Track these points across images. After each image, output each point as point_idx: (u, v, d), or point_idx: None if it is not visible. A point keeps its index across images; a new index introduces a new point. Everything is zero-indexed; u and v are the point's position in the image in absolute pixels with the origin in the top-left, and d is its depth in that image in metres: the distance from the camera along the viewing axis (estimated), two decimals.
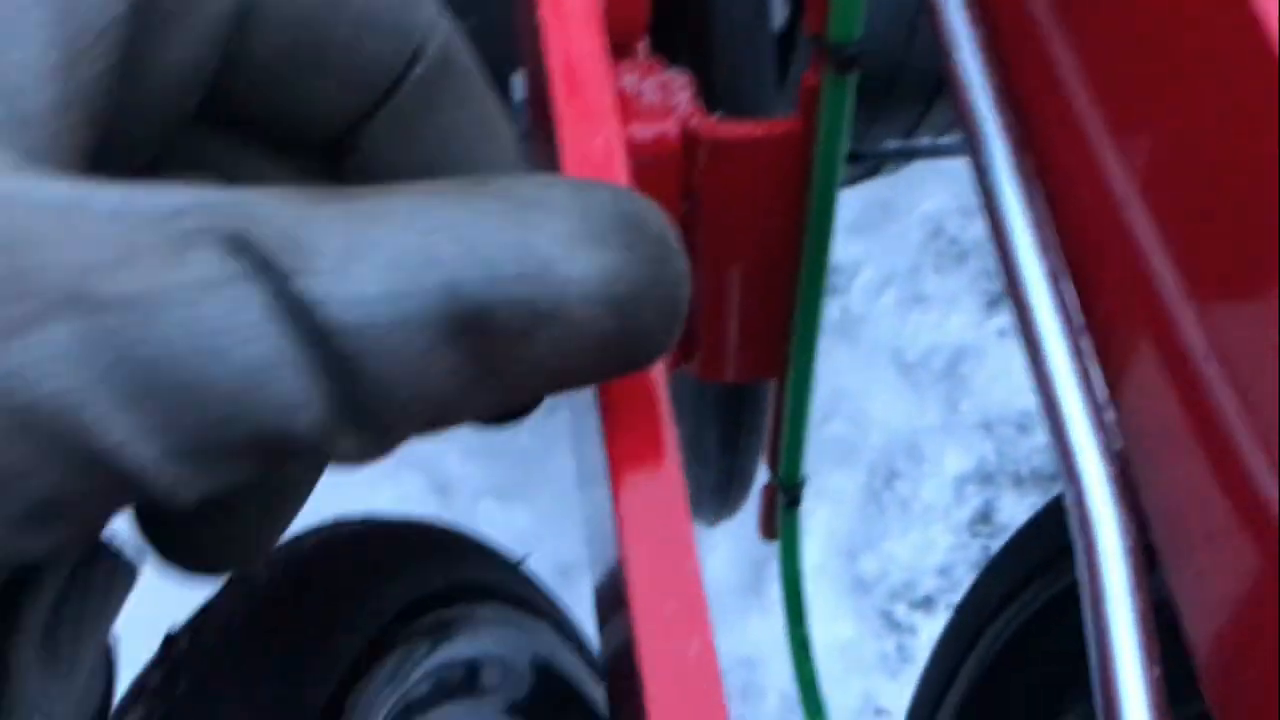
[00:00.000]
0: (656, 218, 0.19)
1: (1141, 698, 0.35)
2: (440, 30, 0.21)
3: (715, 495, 0.78)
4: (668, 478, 0.22)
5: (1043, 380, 0.40)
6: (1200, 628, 0.34)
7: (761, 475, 0.75)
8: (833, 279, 1.31)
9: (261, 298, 0.15)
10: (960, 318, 1.28)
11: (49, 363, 0.14)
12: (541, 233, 0.17)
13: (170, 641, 0.28)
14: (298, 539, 0.37)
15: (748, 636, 1.10)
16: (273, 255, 0.15)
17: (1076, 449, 0.39)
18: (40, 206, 0.15)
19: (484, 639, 0.44)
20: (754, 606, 1.12)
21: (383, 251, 0.16)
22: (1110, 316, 0.39)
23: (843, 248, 1.31)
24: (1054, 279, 0.41)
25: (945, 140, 0.79)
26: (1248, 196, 0.29)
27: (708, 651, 0.24)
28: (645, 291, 0.18)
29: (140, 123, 0.19)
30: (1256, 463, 0.33)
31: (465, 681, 0.43)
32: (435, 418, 0.17)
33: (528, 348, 0.17)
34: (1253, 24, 0.27)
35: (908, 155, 0.83)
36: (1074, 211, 0.41)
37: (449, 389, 0.17)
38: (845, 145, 0.45)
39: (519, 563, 0.51)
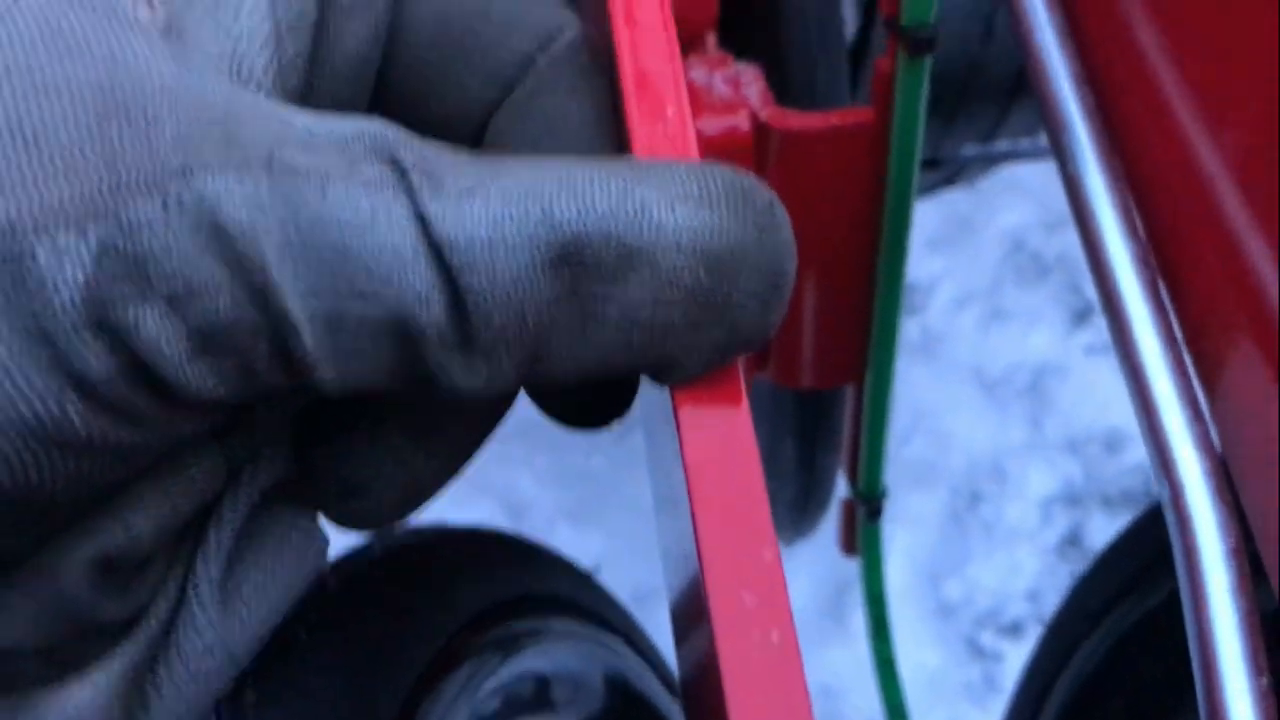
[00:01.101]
0: (767, 194, 0.20)
1: (1249, 709, 0.32)
2: (570, 28, 0.24)
3: (792, 511, 0.76)
4: (738, 425, 0.22)
5: (1136, 374, 0.38)
6: None
7: (839, 492, 0.73)
8: (911, 296, 1.29)
9: (404, 206, 0.18)
10: (1043, 334, 1.24)
11: (243, 200, 0.18)
12: (647, 186, 0.19)
13: None
14: (367, 545, 0.36)
15: (828, 664, 1.07)
16: (415, 178, 0.18)
17: (1173, 444, 0.37)
18: (254, 106, 0.19)
19: (556, 653, 0.42)
20: (835, 632, 1.10)
21: (498, 187, 0.19)
22: (1204, 311, 0.37)
23: (921, 264, 1.29)
24: (1145, 273, 0.39)
25: (1024, 144, 0.77)
26: None
27: (789, 645, 0.23)
28: (744, 255, 0.20)
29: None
30: None
31: (536, 696, 0.41)
32: (533, 353, 0.19)
33: (622, 290, 0.19)
34: None
35: (986, 160, 0.80)
36: (1165, 204, 0.39)
37: (544, 320, 0.19)
38: (921, 134, 0.44)
39: (590, 575, 0.50)
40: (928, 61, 0.40)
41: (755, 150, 0.45)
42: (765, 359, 0.53)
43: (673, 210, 0.19)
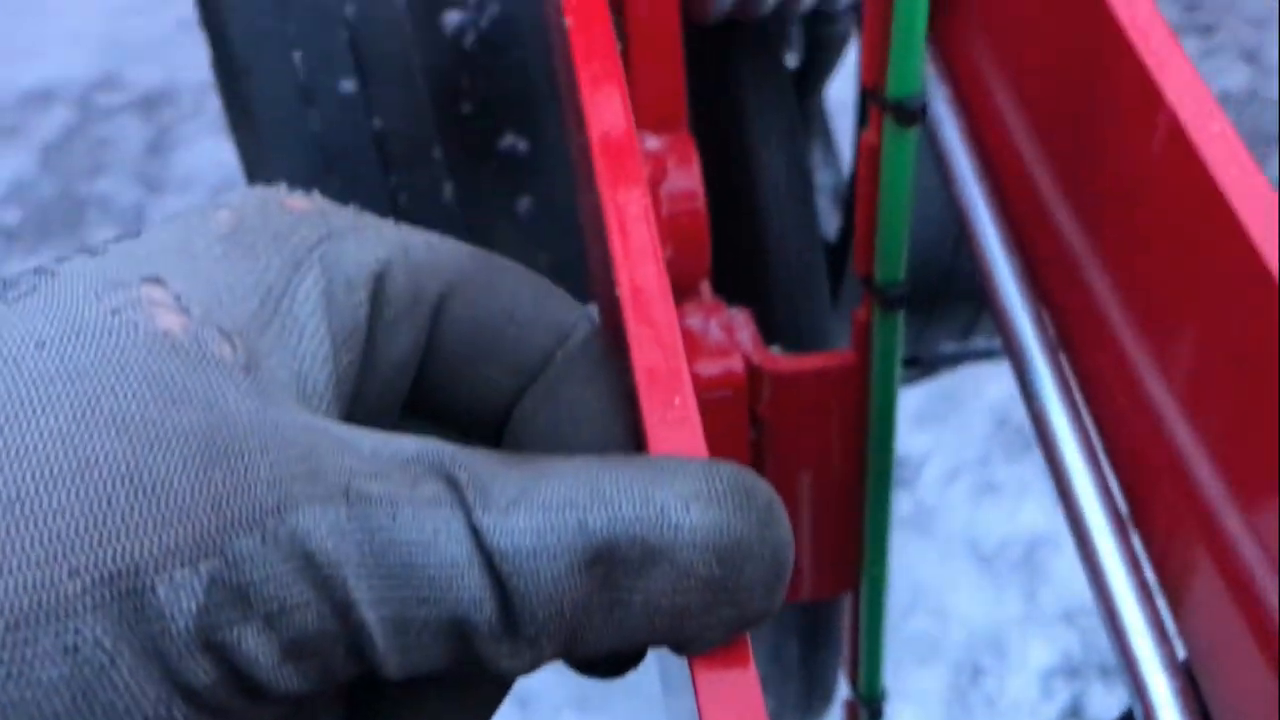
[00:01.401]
0: (767, 490, 0.23)
1: None
2: (583, 324, 0.26)
3: (798, 708, 0.78)
4: (749, 688, 0.24)
5: (1106, 603, 0.41)
6: None
7: (843, 685, 0.75)
8: (902, 471, 1.32)
9: (461, 520, 0.21)
10: (1033, 506, 1.27)
11: (328, 529, 0.20)
12: (663, 488, 0.22)
13: None
14: None
15: None
16: (469, 494, 0.21)
17: (1143, 669, 0.40)
18: (327, 433, 0.21)
19: None
20: None
21: (538, 498, 0.21)
22: (1161, 525, 0.40)
23: (909, 440, 1.33)
24: (1108, 503, 0.42)
25: (999, 342, 0.81)
26: None
27: None
28: (749, 548, 0.22)
29: (367, 410, 0.25)
30: None
31: None
32: (570, 637, 0.22)
33: (645, 582, 0.21)
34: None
35: (963, 359, 0.85)
36: (1123, 434, 0.42)
37: (580, 611, 0.21)
38: (898, 375, 0.48)
39: None
40: (901, 316, 0.45)
41: (749, 388, 0.50)
42: None
43: (688, 511, 0.22)
